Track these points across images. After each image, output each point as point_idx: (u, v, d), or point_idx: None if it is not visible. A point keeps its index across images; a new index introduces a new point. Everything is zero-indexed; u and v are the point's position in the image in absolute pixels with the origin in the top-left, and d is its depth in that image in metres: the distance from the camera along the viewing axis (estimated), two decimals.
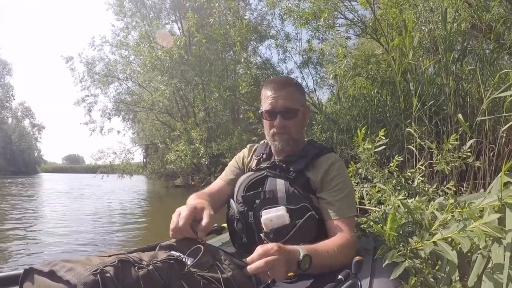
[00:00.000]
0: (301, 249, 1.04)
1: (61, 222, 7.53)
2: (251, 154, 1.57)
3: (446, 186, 1.98)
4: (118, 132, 22.87)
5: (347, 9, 6.71)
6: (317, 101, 8.59)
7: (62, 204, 11.49)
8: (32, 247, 5.43)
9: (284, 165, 1.36)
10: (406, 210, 1.43)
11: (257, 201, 1.31)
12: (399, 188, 2.12)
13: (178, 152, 12.08)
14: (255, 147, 1.59)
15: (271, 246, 0.96)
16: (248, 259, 0.95)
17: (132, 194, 15.85)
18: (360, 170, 2.49)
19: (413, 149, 2.82)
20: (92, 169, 22.20)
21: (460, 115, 2.22)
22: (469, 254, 1.22)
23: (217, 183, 1.53)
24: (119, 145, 19.00)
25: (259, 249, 0.96)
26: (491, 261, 1.10)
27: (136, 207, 11.16)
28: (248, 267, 0.93)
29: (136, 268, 0.76)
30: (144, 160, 25.04)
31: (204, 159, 11.62)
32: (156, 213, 9.93)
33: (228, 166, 1.60)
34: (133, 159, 18.86)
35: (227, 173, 1.56)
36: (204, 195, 1.37)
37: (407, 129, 3.02)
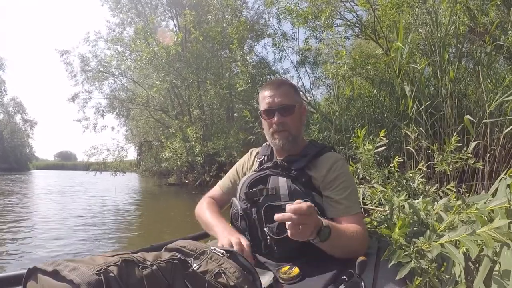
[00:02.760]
0: (324, 221, 1.09)
1: (52, 221, 7.47)
2: (252, 158, 1.61)
3: (447, 187, 2.00)
4: (113, 128, 22.82)
5: (346, 9, 6.72)
6: (313, 101, 8.60)
7: (55, 201, 11.40)
8: (24, 246, 5.37)
9: (285, 164, 1.38)
10: (412, 211, 1.43)
11: (260, 197, 1.32)
12: (399, 189, 2.13)
13: (173, 150, 12.02)
14: (256, 150, 1.63)
15: (309, 204, 1.01)
16: (295, 206, 0.98)
17: (126, 192, 15.79)
18: (358, 171, 2.49)
19: (412, 150, 2.82)
20: (85, 166, 22.03)
21: (467, 117, 2.22)
22: (476, 257, 1.22)
23: (216, 190, 1.63)
24: (113, 142, 18.91)
25: (298, 202, 1.00)
26: (498, 265, 1.10)
27: (130, 206, 11.11)
28: (281, 215, 0.99)
29: (140, 268, 0.75)
30: (138, 157, 24.93)
31: (199, 158, 11.57)
32: (150, 212, 9.89)
33: (227, 174, 1.66)
34: (126, 156, 18.77)
35: (225, 181, 1.64)
36: (215, 206, 1.53)
37: (404, 130, 3.03)
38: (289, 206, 0.98)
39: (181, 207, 10.17)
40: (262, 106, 1.42)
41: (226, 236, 1.23)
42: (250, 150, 1.66)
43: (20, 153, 60.69)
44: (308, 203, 1.00)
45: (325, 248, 1.14)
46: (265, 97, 1.40)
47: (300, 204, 0.98)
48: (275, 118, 1.37)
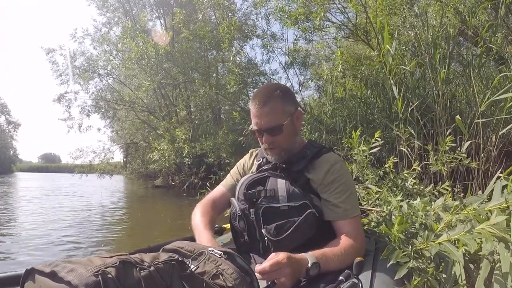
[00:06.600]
0: (310, 257, 1.11)
1: (38, 224, 7.32)
2: (252, 159, 1.60)
3: (442, 187, 2.01)
4: (99, 129, 22.52)
5: (338, 11, 6.77)
6: (302, 103, 8.63)
7: (41, 204, 11.18)
8: (9, 249, 5.25)
9: (284, 166, 1.38)
10: (411, 211, 1.43)
11: (258, 199, 1.31)
12: (394, 189, 2.14)
13: (162, 152, 11.92)
14: (256, 152, 1.61)
15: (281, 257, 1.03)
16: (259, 268, 1.00)
17: (112, 195, 15.60)
18: (353, 172, 2.50)
19: (405, 150, 2.85)
20: (69, 169, 21.69)
21: (458, 117, 2.25)
22: (474, 256, 1.22)
23: (219, 189, 1.59)
24: (99, 143, 18.69)
25: (271, 258, 1.02)
26: (498, 264, 1.10)
27: (117, 209, 10.98)
28: (257, 275, 0.99)
29: (137, 269, 0.75)
30: (124, 159, 24.68)
31: (187, 159, 11.50)
32: (139, 215, 9.79)
33: (229, 173, 1.64)
34: (112, 158, 18.57)
35: (228, 179, 1.60)
36: (209, 208, 1.49)
37: (395, 131, 3.06)
38: (256, 268, 1.00)
39: (170, 210, 10.11)
40: (252, 123, 1.39)
41: None
42: (250, 151, 1.65)
43: (3, 155, 59.41)
44: (275, 260, 1.01)
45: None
46: (253, 115, 1.37)
47: (263, 265, 1.00)
48: (264, 138, 1.36)
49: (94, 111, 19.51)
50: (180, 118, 14.82)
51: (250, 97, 1.46)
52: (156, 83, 11.79)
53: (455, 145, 2.30)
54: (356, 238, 1.25)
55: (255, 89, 1.48)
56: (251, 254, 1.32)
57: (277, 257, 1.02)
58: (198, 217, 1.43)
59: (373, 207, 1.87)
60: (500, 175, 1.46)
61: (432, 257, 1.21)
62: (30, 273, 0.71)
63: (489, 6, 4.11)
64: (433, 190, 2.09)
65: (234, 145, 10.30)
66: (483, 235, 1.11)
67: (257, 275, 0.99)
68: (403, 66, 3.62)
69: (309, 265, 1.08)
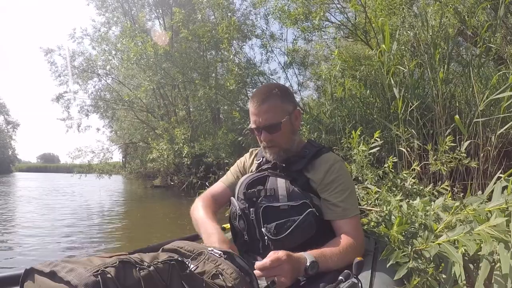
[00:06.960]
0: (309, 256, 1.12)
1: (37, 224, 7.29)
2: (252, 158, 1.60)
3: (441, 187, 2.01)
4: (98, 129, 22.46)
5: (337, 11, 6.78)
6: (301, 102, 8.64)
7: (40, 204, 11.13)
8: (6, 249, 5.23)
9: (284, 165, 1.38)
10: (411, 211, 1.43)
11: (258, 198, 1.31)
12: (393, 189, 2.14)
13: (161, 151, 11.89)
14: (256, 151, 1.61)
15: (281, 254, 1.03)
16: (259, 264, 1.01)
17: (112, 195, 15.55)
18: (352, 172, 2.50)
19: (404, 150, 2.85)
20: (68, 169, 21.59)
21: (457, 116, 2.25)
22: (474, 256, 1.22)
23: (219, 185, 1.59)
24: (98, 143, 18.65)
25: (270, 255, 1.03)
26: (498, 264, 1.10)
27: (116, 208, 10.94)
28: (256, 272, 1.01)
29: (137, 269, 0.75)
30: (123, 159, 24.60)
31: (186, 159, 11.48)
32: (138, 214, 9.76)
33: (229, 170, 1.64)
34: (111, 158, 18.51)
35: (229, 176, 1.61)
36: (210, 201, 1.49)
37: (394, 131, 3.06)
38: (256, 264, 1.01)
39: (169, 209, 10.08)
40: (251, 122, 1.40)
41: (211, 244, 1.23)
42: (250, 150, 1.65)
43: (2, 155, 59.20)
44: (275, 256, 1.02)
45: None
46: (251, 113, 1.38)
47: (264, 261, 1.02)
48: (263, 136, 1.37)
49: (93, 111, 19.43)
50: (179, 118, 14.81)
51: (249, 97, 1.46)
52: (155, 83, 11.77)
53: (455, 144, 2.31)
54: (355, 237, 1.25)
55: (254, 89, 1.48)
56: (251, 254, 1.32)
57: (276, 254, 1.03)
58: (201, 210, 1.43)
59: (372, 207, 1.86)
60: (501, 175, 1.46)
61: (431, 257, 1.20)
62: (30, 273, 0.71)
63: (489, 6, 4.12)
64: (433, 190, 2.09)
65: (233, 145, 10.29)
66: (482, 236, 1.11)
67: (257, 272, 1.00)
68: (401, 67, 3.63)
69: (308, 263, 1.08)
